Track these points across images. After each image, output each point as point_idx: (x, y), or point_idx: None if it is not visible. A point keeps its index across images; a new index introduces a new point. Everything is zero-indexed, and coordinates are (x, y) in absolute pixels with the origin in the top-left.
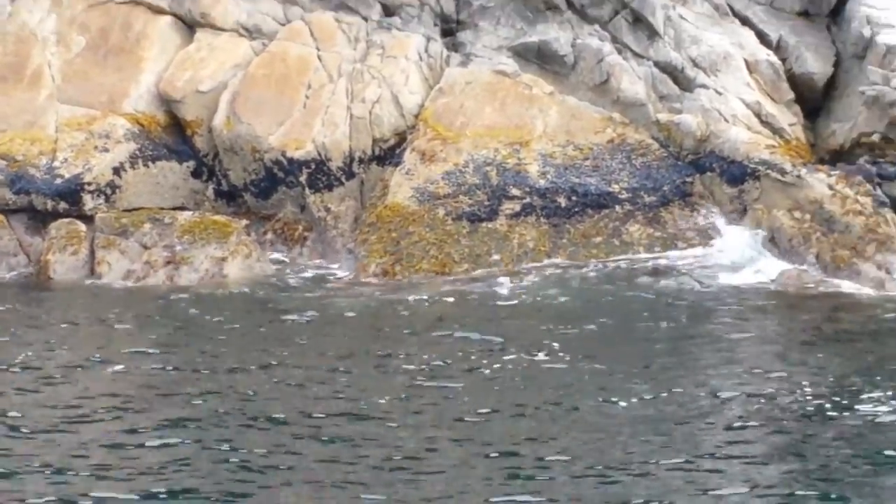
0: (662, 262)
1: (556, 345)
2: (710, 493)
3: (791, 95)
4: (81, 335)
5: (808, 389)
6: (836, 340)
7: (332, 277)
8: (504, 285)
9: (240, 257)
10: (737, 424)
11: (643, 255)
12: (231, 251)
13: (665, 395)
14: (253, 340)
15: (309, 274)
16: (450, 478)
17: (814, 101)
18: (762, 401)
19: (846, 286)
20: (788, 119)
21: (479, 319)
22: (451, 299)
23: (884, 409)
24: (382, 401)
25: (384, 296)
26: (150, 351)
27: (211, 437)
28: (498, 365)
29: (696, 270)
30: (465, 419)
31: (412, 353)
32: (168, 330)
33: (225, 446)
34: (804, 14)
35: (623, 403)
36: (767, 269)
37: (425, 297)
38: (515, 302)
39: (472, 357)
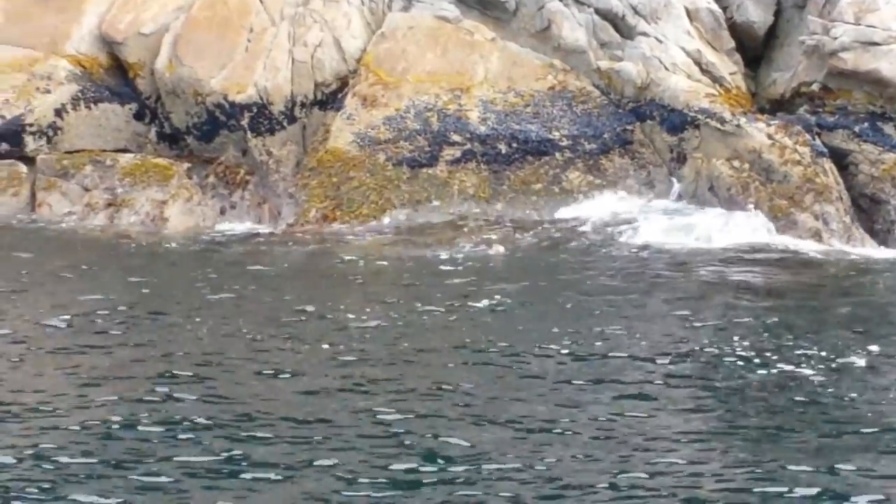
0: (600, 215)
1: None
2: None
3: (732, 44)
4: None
5: (736, 341)
6: (770, 295)
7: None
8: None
9: (181, 200)
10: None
11: (585, 206)
12: (172, 194)
13: (596, 342)
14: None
15: (248, 223)
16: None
17: (755, 49)
18: (690, 352)
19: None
20: (729, 68)
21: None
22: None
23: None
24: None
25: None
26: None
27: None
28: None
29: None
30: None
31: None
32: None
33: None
34: None
35: (553, 351)
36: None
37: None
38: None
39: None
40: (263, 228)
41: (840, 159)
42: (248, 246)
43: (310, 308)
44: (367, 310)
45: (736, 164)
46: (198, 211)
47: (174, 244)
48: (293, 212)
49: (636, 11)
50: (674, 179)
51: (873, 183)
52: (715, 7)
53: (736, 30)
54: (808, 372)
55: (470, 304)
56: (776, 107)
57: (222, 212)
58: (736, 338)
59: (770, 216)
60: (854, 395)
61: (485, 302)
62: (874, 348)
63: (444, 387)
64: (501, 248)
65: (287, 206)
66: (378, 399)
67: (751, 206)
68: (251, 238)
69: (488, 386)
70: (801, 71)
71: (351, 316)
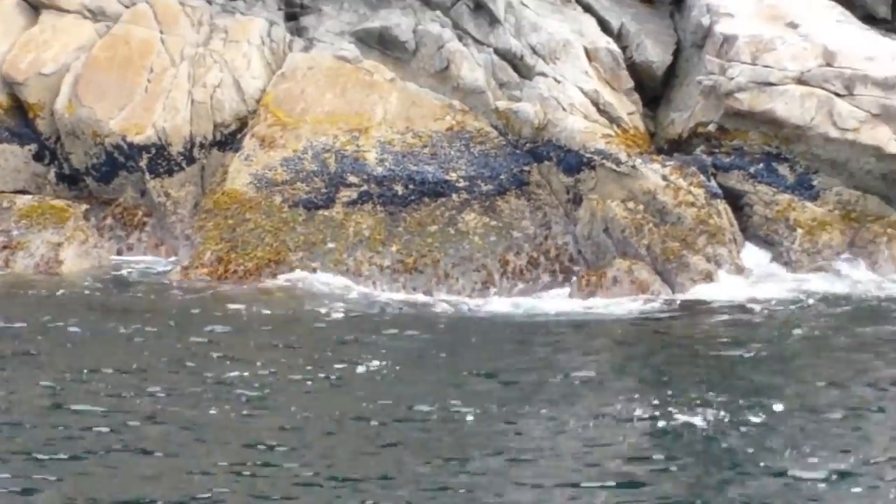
0: None
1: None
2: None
3: (631, 84)
4: None
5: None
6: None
7: (165, 267)
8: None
9: (76, 243)
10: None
11: None
12: (67, 237)
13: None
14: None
15: (143, 264)
16: None
17: (654, 89)
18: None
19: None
20: (627, 108)
21: None
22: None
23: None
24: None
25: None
26: None
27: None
28: None
29: None
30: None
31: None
32: None
33: None
34: (648, 1)
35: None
36: None
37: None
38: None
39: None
40: (159, 270)
41: (735, 200)
42: (135, 290)
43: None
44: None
45: (631, 205)
46: (94, 253)
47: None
48: (189, 254)
49: (535, 51)
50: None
51: (767, 224)
52: (614, 47)
53: (635, 69)
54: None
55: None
56: (674, 147)
57: (119, 253)
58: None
59: (662, 259)
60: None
61: None
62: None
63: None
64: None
65: (184, 247)
66: None
67: (643, 249)
68: (140, 282)
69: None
70: (699, 111)
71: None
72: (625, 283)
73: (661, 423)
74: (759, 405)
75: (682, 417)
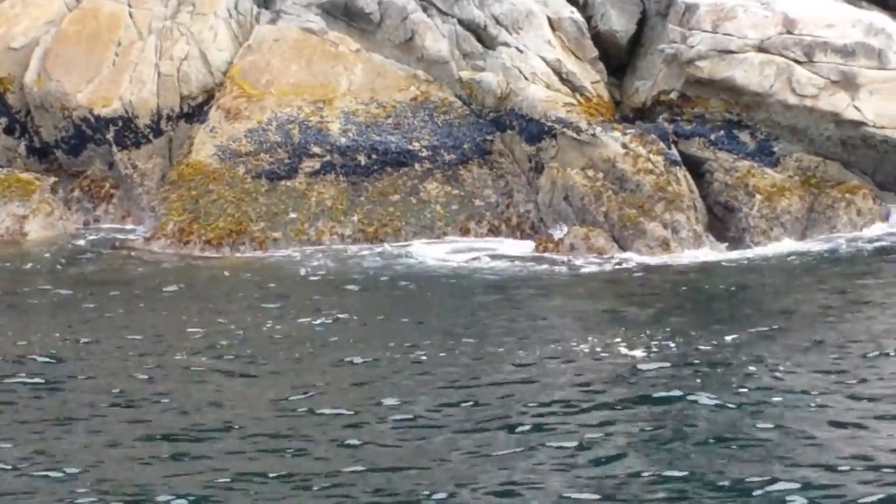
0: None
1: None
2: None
3: (595, 53)
4: None
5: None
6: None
7: (129, 238)
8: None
9: (41, 215)
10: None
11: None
12: (33, 209)
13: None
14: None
15: (106, 235)
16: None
17: (619, 58)
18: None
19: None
20: (591, 77)
21: None
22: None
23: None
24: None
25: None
26: None
27: None
28: None
29: None
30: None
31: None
32: None
33: None
34: None
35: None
36: None
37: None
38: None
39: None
40: (120, 239)
41: (696, 167)
42: (94, 261)
43: None
44: None
45: (591, 173)
46: (59, 225)
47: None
48: (153, 225)
49: (498, 21)
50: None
51: (727, 191)
52: (578, 16)
53: (600, 39)
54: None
55: None
56: (639, 115)
57: (86, 225)
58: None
59: (619, 225)
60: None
61: None
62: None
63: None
64: None
65: (149, 219)
66: None
67: (601, 216)
68: (101, 253)
69: None
70: (661, 79)
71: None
72: (581, 250)
73: (606, 357)
74: (703, 339)
75: (627, 351)
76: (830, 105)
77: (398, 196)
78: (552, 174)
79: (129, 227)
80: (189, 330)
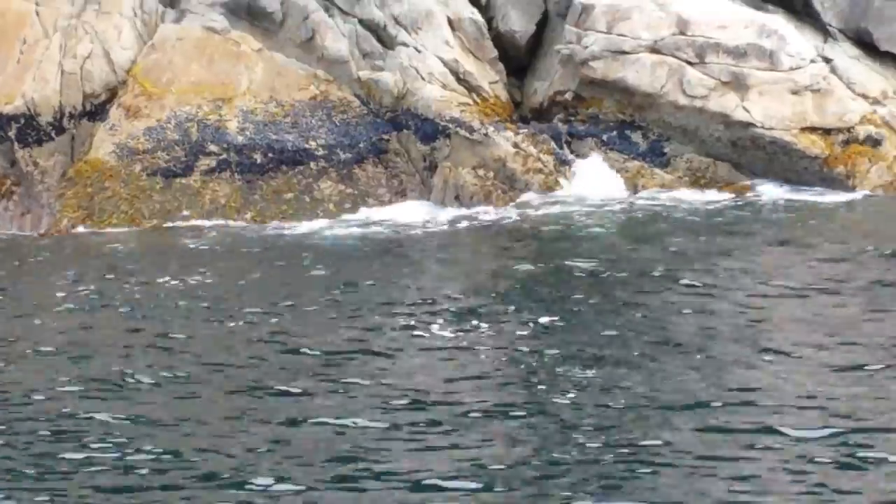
0: None
1: None
2: None
3: (494, 53)
4: None
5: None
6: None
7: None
8: None
9: None
10: None
11: None
12: None
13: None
14: None
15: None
16: None
17: (519, 59)
18: None
19: None
20: (490, 77)
21: None
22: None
23: None
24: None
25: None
26: None
27: None
28: None
29: None
30: None
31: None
32: None
33: None
34: None
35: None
36: None
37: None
38: None
39: None
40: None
41: None
42: None
43: None
44: None
45: (481, 172)
46: None
47: None
48: (49, 221)
49: (398, 21)
50: None
51: None
52: (478, 17)
53: (500, 39)
54: None
55: None
56: (536, 116)
57: None
58: None
59: None
60: None
61: None
62: None
63: None
64: None
65: (47, 216)
66: None
67: None
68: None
69: None
70: (557, 80)
71: None
72: None
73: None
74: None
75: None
76: (720, 106)
77: (292, 194)
78: (444, 173)
79: (27, 226)
80: None
